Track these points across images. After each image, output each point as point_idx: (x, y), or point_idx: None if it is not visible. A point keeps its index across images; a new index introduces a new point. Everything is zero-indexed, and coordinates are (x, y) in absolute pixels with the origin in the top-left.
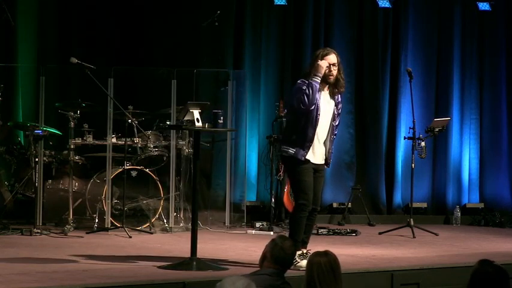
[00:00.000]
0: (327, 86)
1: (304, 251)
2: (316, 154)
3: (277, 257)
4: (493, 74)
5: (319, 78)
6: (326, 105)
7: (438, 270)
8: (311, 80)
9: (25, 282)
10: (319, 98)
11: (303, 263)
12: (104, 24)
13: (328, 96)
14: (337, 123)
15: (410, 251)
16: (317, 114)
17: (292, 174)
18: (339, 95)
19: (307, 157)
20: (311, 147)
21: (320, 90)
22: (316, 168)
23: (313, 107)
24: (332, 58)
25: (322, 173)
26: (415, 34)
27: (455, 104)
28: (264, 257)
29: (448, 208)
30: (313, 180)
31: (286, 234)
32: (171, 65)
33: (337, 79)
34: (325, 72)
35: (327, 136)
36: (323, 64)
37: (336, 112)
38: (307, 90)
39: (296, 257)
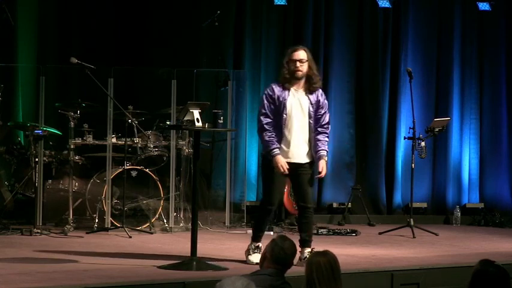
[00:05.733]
0: (300, 83)
1: (310, 249)
2: (292, 154)
3: (278, 257)
4: (493, 74)
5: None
6: (297, 104)
7: (438, 270)
8: (270, 149)
9: (25, 282)
10: (287, 98)
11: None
12: (104, 24)
13: (300, 94)
14: (324, 121)
15: (410, 251)
16: (284, 114)
17: (262, 173)
18: (319, 93)
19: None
20: (282, 148)
21: (289, 88)
22: (296, 167)
23: (279, 107)
24: (300, 54)
25: (305, 171)
26: (415, 34)
27: (455, 104)
28: (264, 257)
29: (448, 208)
30: (296, 178)
31: (287, 234)
32: (171, 65)
33: (309, 76)
34: (292, 68)
35: (308, 135)
36: (278, 164)
37: (311, 109)
38: (265, 136)
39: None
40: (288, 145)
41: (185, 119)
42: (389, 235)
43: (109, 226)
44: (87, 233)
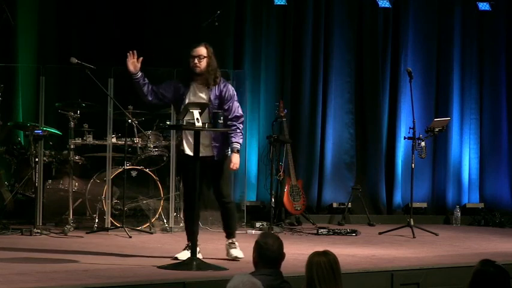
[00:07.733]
0: (200, 78)
1: (230, 241)
2: (191, 148)
3: (266, 258)
4: (493, 74)
5: (134, 78)
6: (195, 98)
7: (438, 270)
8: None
9: (25, 282)
10: (186, 94)
11: (234, 251)
12: (104, 24)
13: (200, 88)
14: (232, 114)
15: (410, 251)
16: (180, 107)
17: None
18: (221, 86)
19: (181, 148)
20: (184, 140)
21: (189, 84)
22: (201, 162)
23: (177, 101)
24: (198, 50)
25: (212, 166)
26: (415, 34)
27: (455, 104)
28: (255, 261)
29: (448, 208)
30: (206, 173)
31: (286, 234)
32: (171, 65)
33: (208, 71)
34: (191, 64)
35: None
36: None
37: (213, 104)
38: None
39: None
40: (188, 140)
41: (185, 119)
42: (389, 235)
43: (109, 226)
44: (87, 233)
